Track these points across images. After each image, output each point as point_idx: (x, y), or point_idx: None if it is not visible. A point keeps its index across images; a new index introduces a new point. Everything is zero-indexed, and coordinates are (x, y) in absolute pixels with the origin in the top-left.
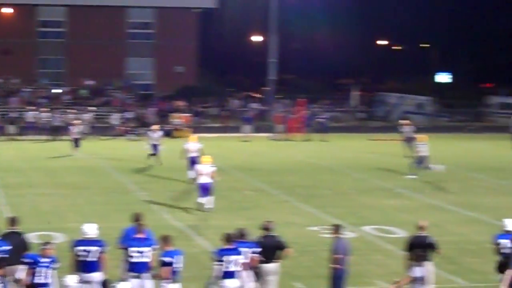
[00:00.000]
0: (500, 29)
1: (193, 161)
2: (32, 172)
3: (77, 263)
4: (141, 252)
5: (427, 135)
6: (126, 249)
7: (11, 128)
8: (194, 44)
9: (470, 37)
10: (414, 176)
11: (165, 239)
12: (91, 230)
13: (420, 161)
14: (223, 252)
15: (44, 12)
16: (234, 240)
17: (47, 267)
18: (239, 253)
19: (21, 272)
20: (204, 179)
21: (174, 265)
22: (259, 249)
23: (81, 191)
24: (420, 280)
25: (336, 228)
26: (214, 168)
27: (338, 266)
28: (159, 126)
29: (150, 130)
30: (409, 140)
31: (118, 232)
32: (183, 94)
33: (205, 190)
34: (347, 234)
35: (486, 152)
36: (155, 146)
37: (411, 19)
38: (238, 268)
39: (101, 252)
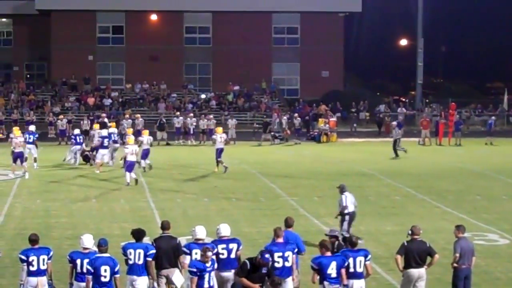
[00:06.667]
0: None
1: None
2: (179, 177)
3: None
4: (283, 257)
5: None
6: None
7: (160, 134)
8: (340, 48)
9: None
10: None
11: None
12: (225, 230)
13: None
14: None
15: (190, 18)
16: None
17: (209, 272)
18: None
19: (177, 275)
20: None
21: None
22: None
23: (229, 196)
24: None
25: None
26: None
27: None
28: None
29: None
30: None
31: (266, 236)
32: (329, 98)
33: None
34: (499, 241)
35: None
36: None
37: None
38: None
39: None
